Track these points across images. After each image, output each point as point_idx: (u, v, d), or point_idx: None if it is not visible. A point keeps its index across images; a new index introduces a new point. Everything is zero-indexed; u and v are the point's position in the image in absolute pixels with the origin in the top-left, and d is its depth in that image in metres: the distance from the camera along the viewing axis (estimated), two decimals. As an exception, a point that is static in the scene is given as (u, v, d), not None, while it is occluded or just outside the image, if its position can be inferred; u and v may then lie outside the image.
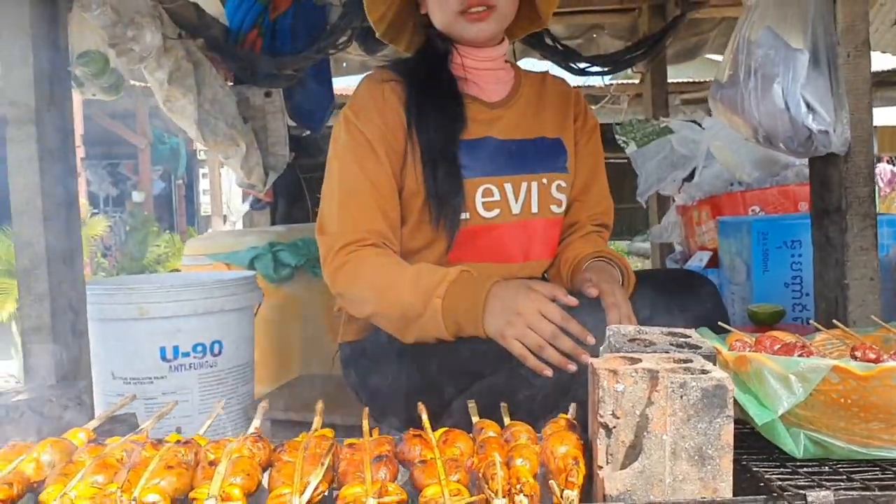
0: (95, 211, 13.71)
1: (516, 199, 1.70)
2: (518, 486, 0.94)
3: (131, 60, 2.16)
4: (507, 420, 1.22)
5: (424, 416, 1.20)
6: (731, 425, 0.94)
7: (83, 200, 9.45)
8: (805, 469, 1.00)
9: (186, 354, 2.27)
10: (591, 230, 1.82)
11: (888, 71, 5.71)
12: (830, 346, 1.26)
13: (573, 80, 2.09)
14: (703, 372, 0.96)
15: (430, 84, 1.72)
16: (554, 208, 1.76)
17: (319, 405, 1.32)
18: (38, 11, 1.93)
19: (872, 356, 1.10)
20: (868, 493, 0.91)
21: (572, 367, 1.37)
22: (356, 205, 1.61)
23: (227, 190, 10.41)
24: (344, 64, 4.79)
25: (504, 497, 0.91)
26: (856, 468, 1.00)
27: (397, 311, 1.52)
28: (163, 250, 10.27)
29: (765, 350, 1.14)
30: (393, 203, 1.65)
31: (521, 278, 1.66)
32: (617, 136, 3.43)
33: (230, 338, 2.36)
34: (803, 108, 1.80)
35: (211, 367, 2.32)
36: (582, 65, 3.49)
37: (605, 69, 3.55)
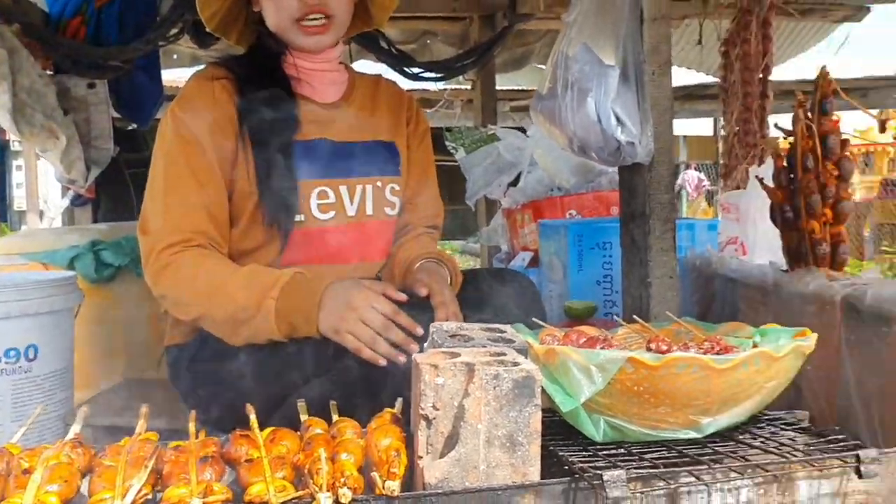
0: None
1: (351, 202, 1.72)
2: (342, 480, 0.98)
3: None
4: (335, 417, 1.26)
5: (252, 417, 1.22)
6: (539, 413, 1.03)
7: None
8: (604, 452, 1.11)
9: (-2, 360, 2.13)
10: (423, 232, 1.88)
11: (695, 85, 6.21)
12: (630, 339, 1.39)
13: (406, 85, 2.15)
14: (515, 364, 1.04)
15: (263, 83, 1.70)
16: (388, 210, 1.80)
17: (144, 409, 1.30)
18: None
19: (664, 348, 1.23)
20: (655, 470, 1.03)
21: (402, 359, 1.43)
22: (181, 204, 1.57)
23: (45, 184, 9.73)
24: (175, 56, 4.64)
25: (328, 491, 0.95)
26: (647, 450, 1.11)
27: (227, 313, 1.51)
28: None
29: (572, 344, 1.24)
30: (221, 203, 1.63)
31: (356, 278, 1.70)
32: (447, 143, 3.55)
33: (47, 342, 2.24)
34: (613, 121, 1.95)
35: (26, 372, 2.19)
36: (415, 70, 3.57)
37: (438, 76, 3.66)
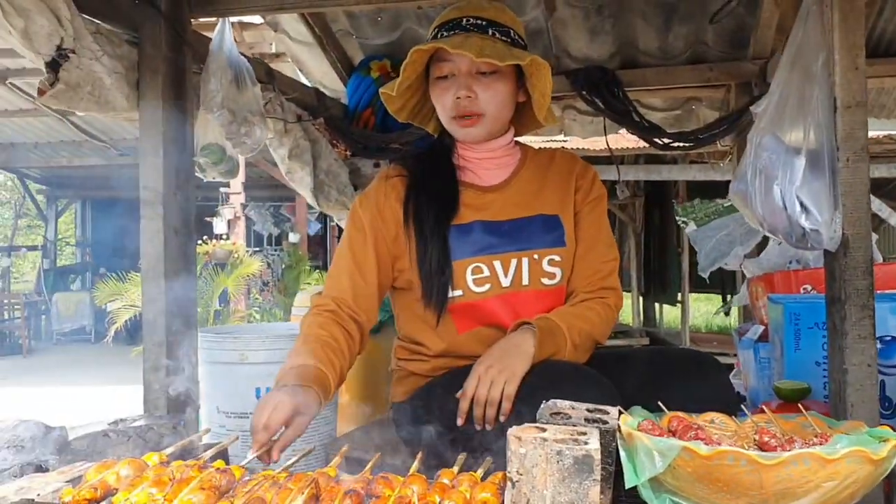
0: (258, 249, 14.88)
1: (505, 274, 1.92)
2: (437, 520, 1.25)
3: (244, 151, 2.63)
4: (455, 470, 1.51)
5: (415, 464, 1.54)
6: (598, 487, 1.21)
7: (240, 242, 10.40)
8: (667, 527, 1.24)
9: (277, 395, 2.68)
10: (586, 297, 1.96)
11: None
12: (751, 428, 1.47)
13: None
14: (584, 444, 1.23)
15: (429, 176, 2.01)
16: (545, 281, 1.95)
17: (344, 448, 1.67)
18: (169, 114, 2.44)
19: (773, 442, 1.31)
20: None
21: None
22: (336, 275, 1.97)
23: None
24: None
25: (423, 527, 1.23)
26: (708, 530, 1.23)
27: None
28: (313, 287, 11.09)
29: (672, 428, 1.38)
30: (370, 278, 1.95)
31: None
32: (677, 217, 3.61)
33: (316, 383, 2.76)
34: (798, 208, 1.99)
35: (298, 407, 2.72)
36: (665, 140, 3.70)
37: (687, 145, 3.75)
